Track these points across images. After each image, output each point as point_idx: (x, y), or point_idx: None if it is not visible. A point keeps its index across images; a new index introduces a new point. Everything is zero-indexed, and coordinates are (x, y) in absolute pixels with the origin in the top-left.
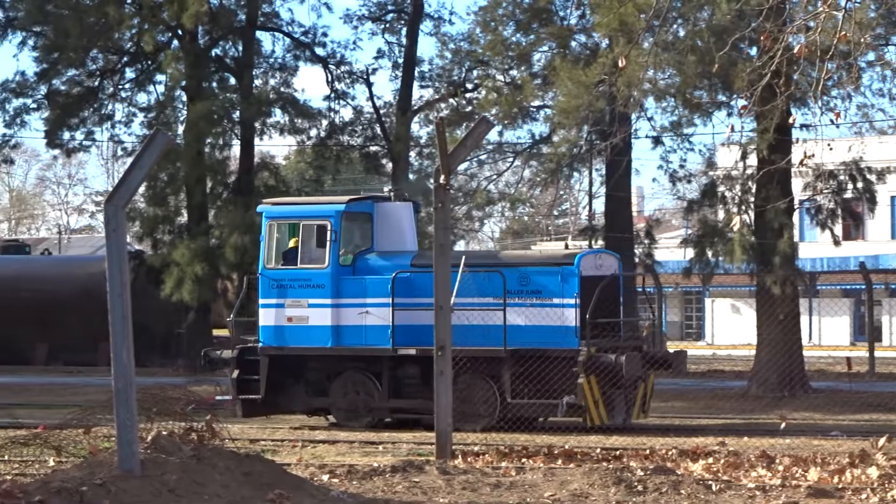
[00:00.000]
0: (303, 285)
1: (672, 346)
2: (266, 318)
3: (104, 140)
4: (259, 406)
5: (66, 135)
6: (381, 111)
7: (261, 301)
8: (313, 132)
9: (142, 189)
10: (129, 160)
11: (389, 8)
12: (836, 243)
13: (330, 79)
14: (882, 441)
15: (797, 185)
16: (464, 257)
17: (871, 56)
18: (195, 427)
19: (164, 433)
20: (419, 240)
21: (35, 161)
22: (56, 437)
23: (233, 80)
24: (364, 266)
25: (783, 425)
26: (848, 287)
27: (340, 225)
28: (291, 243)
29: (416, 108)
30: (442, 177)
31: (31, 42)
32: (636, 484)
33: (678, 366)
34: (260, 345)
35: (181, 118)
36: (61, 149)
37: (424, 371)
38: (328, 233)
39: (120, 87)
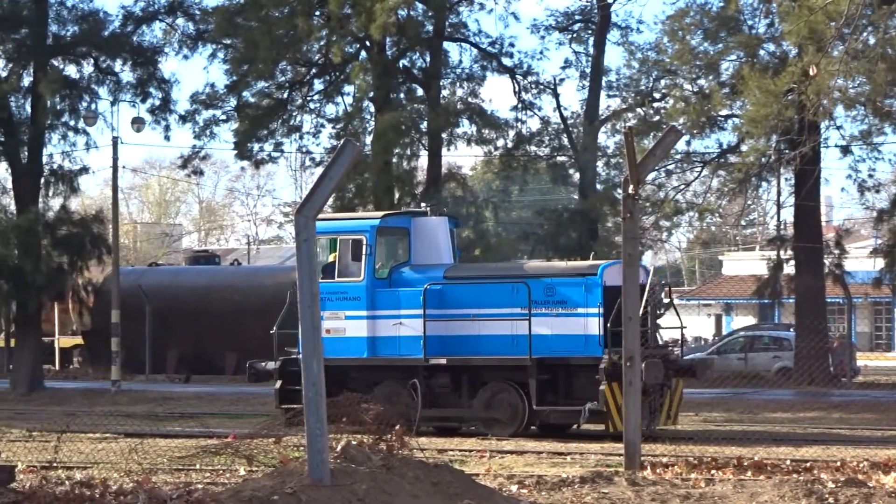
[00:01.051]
0: (340, 298)
1: (862, 358)
2: None
3: (292, 151)
4: (302, 415)
5: (255, 146)
6: (569, 121)
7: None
8: (500, 142)
9: (330, 200)
10: (318, 171)
11: (576, 18)
12: None
13: (517, 89)
14: None
15: None
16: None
17: None
18: (384, 437)
19: (354, 443)
20: (460, 253)
21: (224, 172)
22: (247, 447)
23: (420, 91)
24: (399, 279)
25: None
26: None
27: (375, 239)
28: (331, 258)
29: (603, 117)
30: (630, 187)
31: (220, 54)
32: (827, 496)
33: (703, 374)
34: (300, 357)
35: (369, 129)
36: (250, 160)
37: (455, 380)
38: (364, 247)
39: (308, 98)
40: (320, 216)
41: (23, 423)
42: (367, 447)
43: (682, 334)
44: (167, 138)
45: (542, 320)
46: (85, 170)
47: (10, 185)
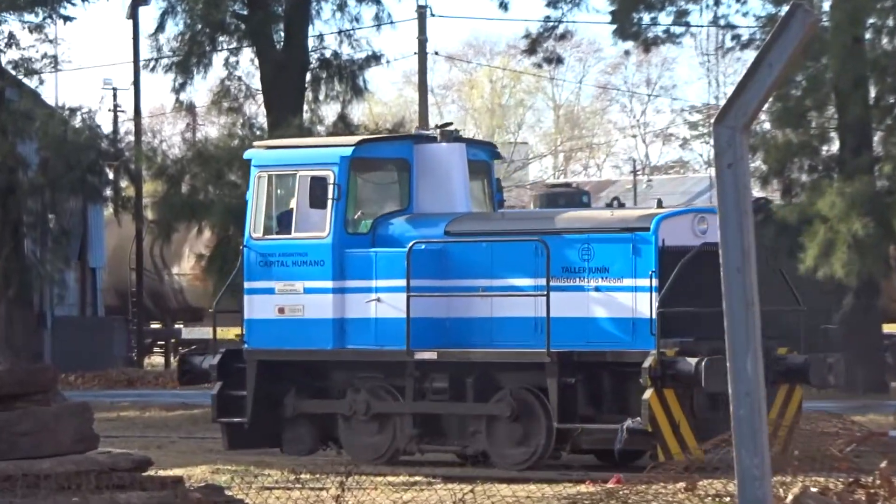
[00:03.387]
0: (297, 262)
1: None
2: (252, 307)
3: (703, 24)
4: (248, 434)
5: (644, 17)
6: None
7: (245, 284)
8: None
9: (767, 103)
10: (747, 55)
11: None
12: None
13: None
14: None
15: None
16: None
17: None
18: (862, 480)
19: (813, 489)
20: (499, 198)
21: (595, 60)
22: (640, 496)
23: None
24: (385, 235)
25: None
26: None
27: (348, 176)
28: (292, 204)
29: None
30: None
31: None
32: None
33: (821, 377)
34: (245, 346)
35: None
36: (636, 39)
37: (457, 384)
38: (329, 188)
39: None
40: (274, 143)
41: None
42: (836, 496)
43: (801, 319)
44: (503, 6)
45: (568, 296)
46: (375, 58)
47: (258, 82)
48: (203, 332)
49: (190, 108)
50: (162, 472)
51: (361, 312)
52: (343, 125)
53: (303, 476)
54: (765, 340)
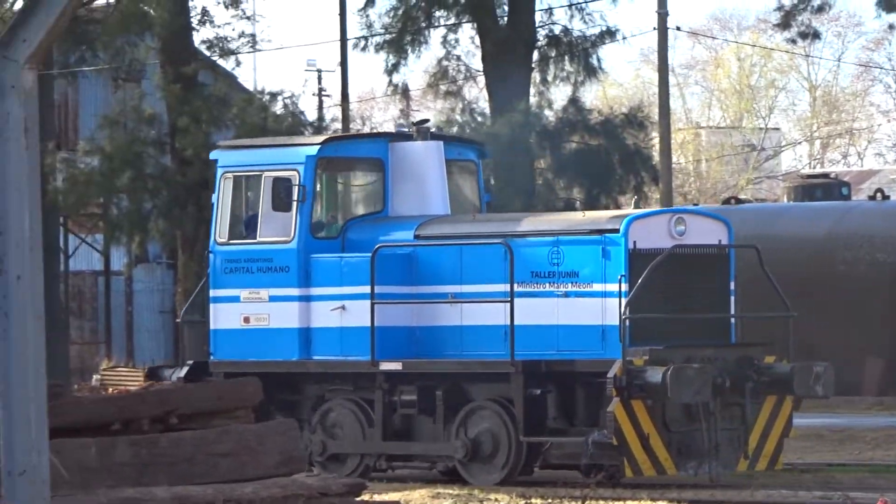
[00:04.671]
0: (262, 268)
1: None
2: (217, 317)
3: None
4: None
5: None
6: None
7: (210, 292)
8: None
9: None
10: None
11: None
12: None
13: None
14: None
15: None
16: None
17: None
18: None
19: None
20: (488, 199)
21: (856, 34)
22: None
23: None
24: (354, 239)
25: None
26: None
27: (314, 176)
28: (259, 207)
29: None
30: None
31: None
32: None
33: (806, 388)
34: (212, 358)
35: None
36: None
37: (423, 396)
38: (294, 189)
39: None
40: (240, 143)
41: (508, 484)
42: None
43: (790, 325)
44: None
45: (537, 303)
46: (609, 34)
47: (478, 62)
48: None
49: (404, 92)
50: (377, 497)
51: (327, 321)
52: (574, 109)
53: (533, 501)
54: (748, 348)
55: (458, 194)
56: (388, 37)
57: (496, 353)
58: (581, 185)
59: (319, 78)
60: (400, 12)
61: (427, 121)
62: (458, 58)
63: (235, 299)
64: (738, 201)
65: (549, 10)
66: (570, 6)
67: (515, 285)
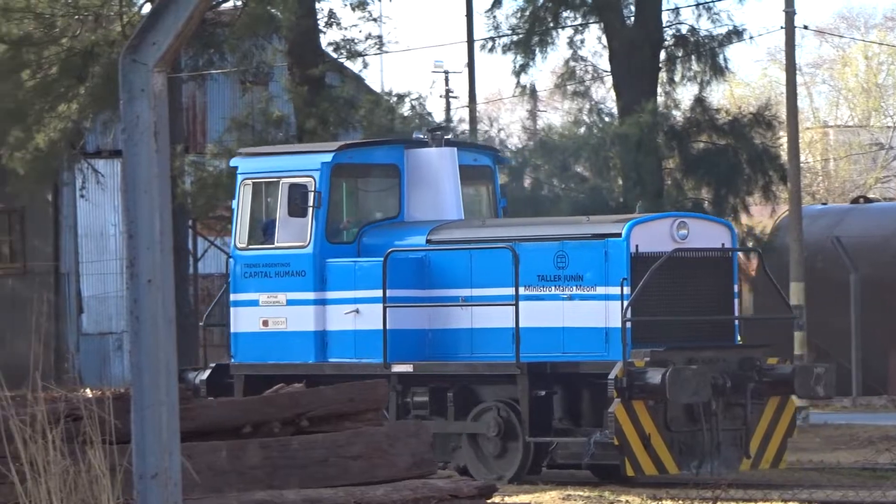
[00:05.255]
0: (280, 273)
1: None
2: (238, 320)
3: None
4: None
5: None
6: None
7: (231, 296)
8: None
9: None
10: None
11: None
12: None
13: None
14: None
15: None
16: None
17: None
18: None
19: None
20: (504, 204)
21: None
22: None
23: None
24: (369, 244)
25: None
26: None
27: (329, 182)
28: (276, 213)
29: None
30: None
31: None
32: None
33: (807, 388)
34: (232, 361)
35: None
36: None
37: (435, 397)
38: (309, 195)
39: None
40: (259, 150)
41: (639, 486)
42: None
43: (796, 325)
44: None
45: (544, 305)
46: (736, 34)
47: (605, 62)
48: None
49: (531, 93)
50: (508, 500)
51: (342, 324)
52: (701, 109)
53: (664, 502)
54: (751, 350)
55: (475, 199)
56: (515, 38)
57: (504, 356)
58: (709, 185)
59: (447, 79)
60: (527, 13)
61: (442, 128)
62: (585, 58)
63: (254, 303)
64: (867, 200)
65: (676, 10)
66: (696, 6)
67: (523, 288)
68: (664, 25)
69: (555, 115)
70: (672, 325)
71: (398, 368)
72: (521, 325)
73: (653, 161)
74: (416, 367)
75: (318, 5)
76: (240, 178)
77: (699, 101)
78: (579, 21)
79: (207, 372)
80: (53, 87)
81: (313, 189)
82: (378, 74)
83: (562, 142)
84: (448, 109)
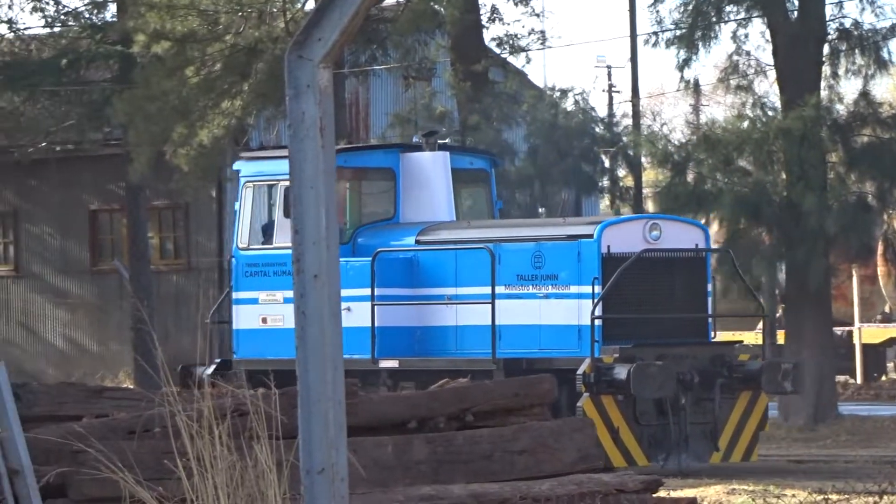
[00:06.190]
0: (277, 272)
1: None
2: (239, 318)
3: None
4: None
5: None
6: None
7: (233, 294)
8: None
9: None
10: None
11: None
12: None
13: None
14: None
15: None
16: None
17: None
18: None
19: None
20: (500, 206)
21: None
22: None
23: None
24: (362, 244)
25: None
26: None
27: None
28: (275, 214)
29: None
30: None
31: None
32: None
33: (774, 384)
34: (234, 357)
35: None
36: None
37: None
38: None
39: None
40: (260, 154)
41: (803, 478)
42: None
43: (766, 325)
44: None
45: (521, 304)
46: None
47: (769, 56)
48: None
49: (695, 87)
50: (673, 494)
51: None
52: (865, 102)
53: (831, 496)
54: (723, 347)
55: (469, 201)
56: (678, 32)
57: (485, 352)
58: (873, 179)
59: (609, 74)
60: (690, 7)
61: (436, 132)
62: (748, 52)
63: (254, 301)
64: None
65: (840, 4)
66: None
67: (503, 287)
68: (827, 19)
69: (717, 110)
70: (644, 323)
71: (385, 364)
72: (501, 322)
73: (816, 155)
74: (402, 363)
75: (480, 1)
76: (241, 180)
77: (863, 94)
78: (742, 15)
79: (212, 367)
80: (217, 83)
81: None
82: (540, 70)
83: (725, 136)
84: (611, 104)
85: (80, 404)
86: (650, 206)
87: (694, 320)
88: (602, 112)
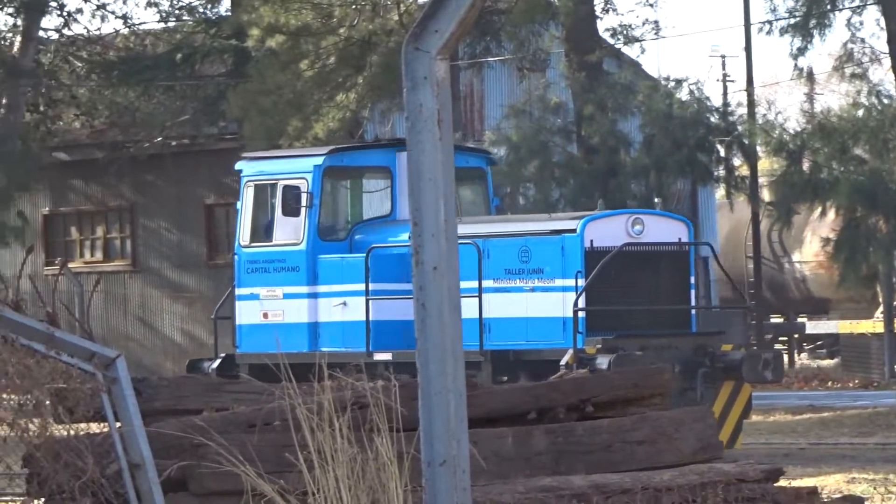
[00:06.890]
0: (277, 269)
1: None
2: (241, 313)
3: None
4: None
5: None
6: None
7: (236, 290)
8: None
9: None
10: None
11: None
12: None
13: None
14: None
15: None
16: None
17: None
18: None
19: None
20: (497, 203)
21: None
22: None
23: None
24: (358, 241)
25: None
26: None
27: (321, 184)
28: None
29: None
30: None
31: None
32: None
33: (755, 374)
34: (237, 351)
35: None
36: None
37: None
38: (302, 196)
39: None
40: (261, 155)
41: None
42: None
43: (747, 315)
44: None
45: (509, 297)
46: None
47: (883, 44)
48: (829, 326)
49: (809, 76)
50: (793, 483)
51: (331, 316)
52: None
53: None
54: (705, 338)
55: (466, 199)
56: (792, 20)
57: (473, 344)
58: None
59: (723, 63)
60: None
61: None
62: (863, 40)
63: (256, 297)
64: None
65: None
66: None
67: (492, 281)
68: None
69: (832, 98)
70: (627, 315)
71: (379, 357)
72: (490, 315)
73: None
74: (395, 356)
75: None
76: (243, 179)
77: None
78: (857, 3)
79: (218, 361)
80: (332, 76)
81: (306, 190)
82: (654, 60)
83: (840, 124)
84: (725, 93)
85: (200, 398)
86: (765, 194)
87: (676, 312)
88: (717, 101)
